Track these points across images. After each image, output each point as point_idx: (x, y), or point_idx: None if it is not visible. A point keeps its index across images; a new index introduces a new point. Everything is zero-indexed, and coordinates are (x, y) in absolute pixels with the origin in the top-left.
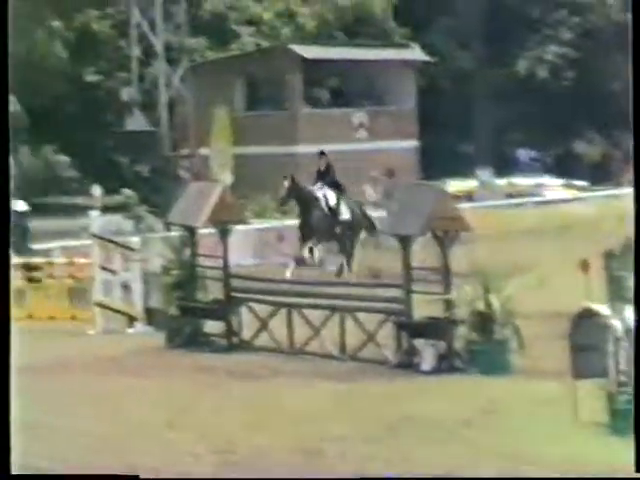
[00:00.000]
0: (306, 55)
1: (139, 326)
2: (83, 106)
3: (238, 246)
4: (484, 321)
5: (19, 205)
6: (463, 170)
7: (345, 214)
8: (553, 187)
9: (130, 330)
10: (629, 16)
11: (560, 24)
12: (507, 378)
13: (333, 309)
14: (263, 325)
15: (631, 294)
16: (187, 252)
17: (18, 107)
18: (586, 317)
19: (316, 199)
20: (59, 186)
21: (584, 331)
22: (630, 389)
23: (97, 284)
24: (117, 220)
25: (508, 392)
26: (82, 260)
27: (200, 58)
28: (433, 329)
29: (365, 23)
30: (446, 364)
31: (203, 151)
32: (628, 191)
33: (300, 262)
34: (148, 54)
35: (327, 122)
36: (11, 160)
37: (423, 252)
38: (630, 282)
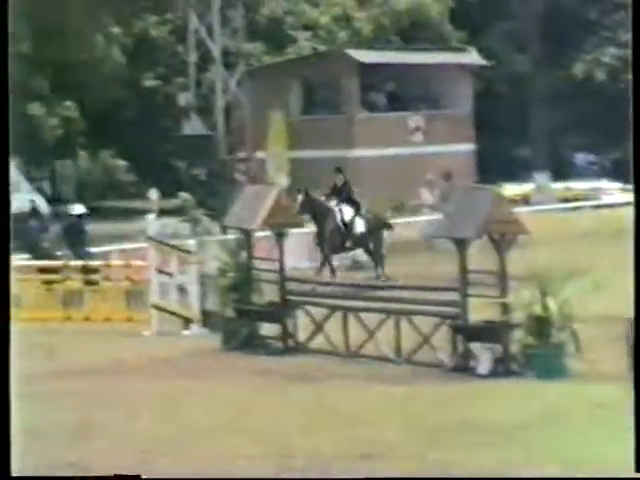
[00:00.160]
0: (362, 59)
1: (195, 328)
2: (141, 111)
3: (294, 249)
4: (541, 325)
5: (77, 208)
6: (520, 174)
7: (359, 227)
8: (611, 191)
9: (186, 332)
10: None
11: (619, 26)
12: (564, 382)
13: (388, 312)
14: (318, 328)
15: None
16: (243, 255)
17: (77, 113)
18: None
19: (331, 213)
20: (117, 190)
21: None
22: None
23: (153, 286)
24: (174, 223)
25: (565, 396)
26: (139, 263)
27: (257, 62)
28: (489, 333)
29: (421, 27)
30: (502, 368)
31: (259, 155)
32: None
33: (356, 266)
34: (205, 59)
35: (383, 126)
36: (71, 164)
37: (480, 256)
38: None
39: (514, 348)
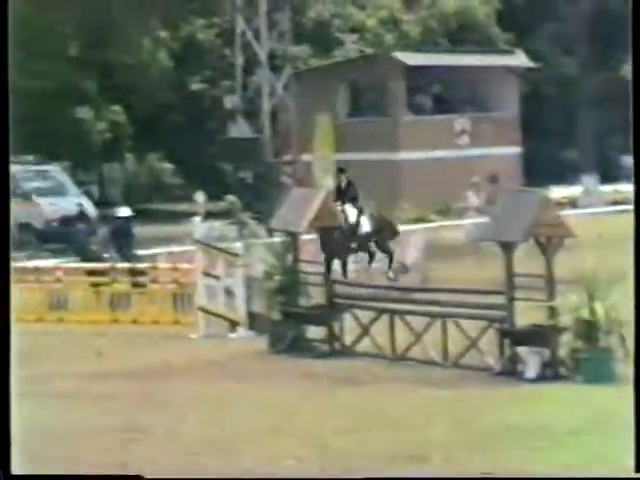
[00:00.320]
0: (409, 62)
1: (241, 331)
2: (187, 114)
3: None
4: (589, 329)
5: (123, 211)
6: (567, 176)
7: (365, 227)
8: None
9: (232, 335)
10: None
11: None
12: (612, 386)
13: (435, 315)
14: (365, 331)
15: None
16: (289, 258)
17: (124, 117)
18: None
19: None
20: (163, 193)
21: None
22: None
23: (200, 289)
24: (220, 226)
25: (613, 400)
26: (186, 266)
27: (303, 65)
28: (537, 336)
29: (469, 29)
30: (550, 372)
31: (305, 157)
32: None
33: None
34: (252, 62)
35: (429, 129)
36: (118, 167)
37: (526, 259)
38: None
39: (562, 352)
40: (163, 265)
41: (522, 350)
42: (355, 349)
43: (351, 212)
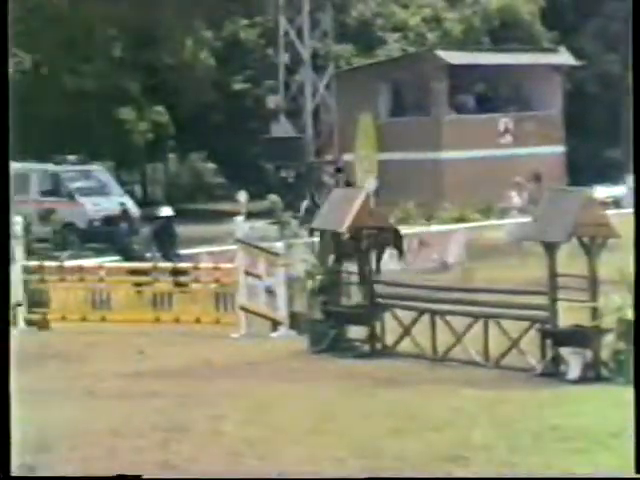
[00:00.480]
0: (452, 61)
1: (282, 330)
2: (230, 114)
3: None
4: (632, 330)
5: (165, 211)
6: (611, 176)
7: None
8: None
9: (273, 334)
10: None
11: None
12: None
13: (476, 315)
14: (406, 331)
15: None
16: (331, 257)
17: (167, 117)
18: None
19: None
20: (206, 192)
21: None
22: None
23: (242, 289)
24: (262, 225)
25: None
26: (227, 265)
27: (346, 65)
28: (579, 337)
29: (512, 27)
30: (592, 373)
31: (347, 157)
32: None
33: (445, 268)
34: (294, 61)
35: (472, 128)
36: (161, 167)
37: (569, 259)
38: None
39: (604, 354)
40: (205, 265)
41: (564, 351)
42: (396, 349)
43: None
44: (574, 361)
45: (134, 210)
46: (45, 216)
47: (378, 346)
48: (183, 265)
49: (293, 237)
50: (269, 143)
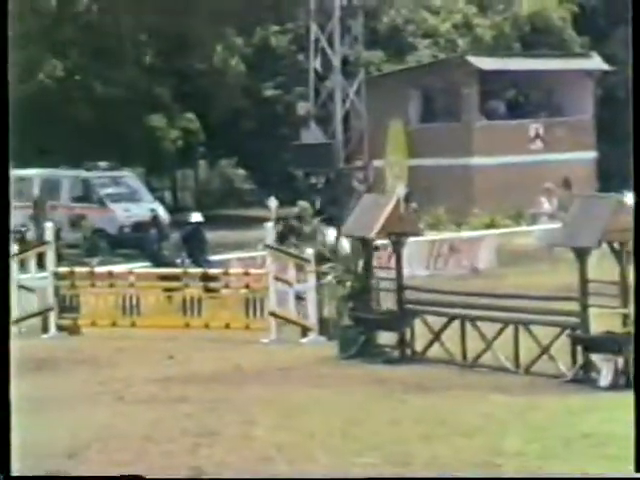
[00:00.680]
0: (483, 66)
1: (312, 336)
2: (260, 120)
3: (411, 258)
4: None
5: (195, 217)
6: None
7: (346, 249)
8: None
9: (303, 340)
10: None
11: None
12: None
13: (506, 321)
14: (435, 337)
15: None
16: (360, 263)
17: (197, 124)
18: None
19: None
20: (236, 198)
21: None
22: None
23: (271, 294)
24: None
25: None
26: (257, 271)
27: (377, 71)
28: (611, 344)
29: (543, 33)
30: (624, 380)
31: (377, 163)
32: None
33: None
34: (325, 68)
35: (502, 134)
36: (191, 174)
37: (600, 265)
38: None
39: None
40: (235, 270)
41: (595, 358)
42: (426, 355)
43: (330, 232)
44: (605, 368)
45: (164, 216)
46: (76, 222)
47: (408, 352)
48: (213, 271)
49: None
50: (299, 149)
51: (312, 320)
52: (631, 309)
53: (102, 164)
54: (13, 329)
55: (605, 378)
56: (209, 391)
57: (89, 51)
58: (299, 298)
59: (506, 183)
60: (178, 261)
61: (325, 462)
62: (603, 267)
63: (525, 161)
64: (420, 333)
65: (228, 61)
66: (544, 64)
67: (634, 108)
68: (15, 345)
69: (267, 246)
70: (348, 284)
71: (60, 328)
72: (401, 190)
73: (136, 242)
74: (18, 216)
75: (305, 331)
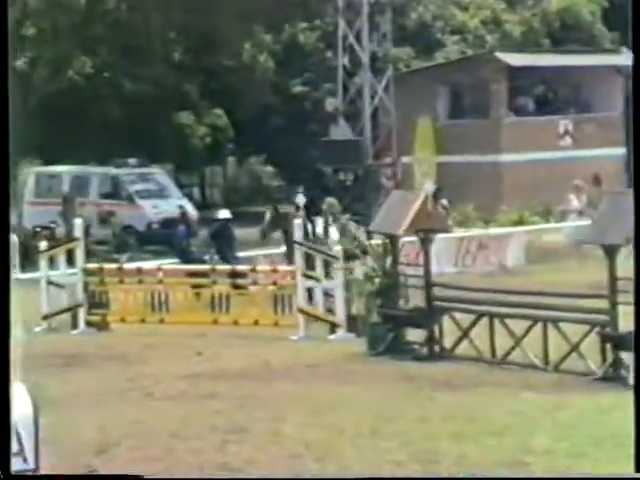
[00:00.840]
0: (512, 63)
1: (340, 333)
2: (288, 117)
3: (440, 254)
4: None
5: (223, 213)
6: None
7: (334, 239)
8: None
9: (332, 337)
10: None
11: None
12: None
13: (535, 319)
14: (464, 334)
15: None
16: (389, 260)
17: (226, 120)
18: None
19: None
20: (264, 195)
21: None
22: None
23: (300, 291)
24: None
25: None
26: (286, 267)
27: (405, 67)
28: None
29: (573, 28)
30: None
31: (405, 159)
32: None
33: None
34: (353, 64)
35: (531, 130)
36: (219, 170)
37: (629, 262)
38: None
39: None
40: (263, 267)
41: (625, 355)
42: (454, 352)
43: (318, 222)
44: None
45: (193, 213)
46: (105, 219)
47: (436, 349)
48: (241, 267)
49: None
50: (327, 146)
51: (340, 317)
52: None
53: (131, 161)
54: (43, 324)
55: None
56: (238, 388)
57: (118, 48)
58: (327, 295)
59: (535, 180)
60: (206, 258)
61: (354, 459)
62: (632, 264)
63: (554, 158)
64: (449, 330)
65: (257, 58)
66: (573, 60)
67: (634, 108)
68: (45, 340)
69: (295, 242)
70: (376, 281)
71: (89, 324)
72: (429, 187)
73: (165, 239)
74: (48, 213)
75: (333, 328)
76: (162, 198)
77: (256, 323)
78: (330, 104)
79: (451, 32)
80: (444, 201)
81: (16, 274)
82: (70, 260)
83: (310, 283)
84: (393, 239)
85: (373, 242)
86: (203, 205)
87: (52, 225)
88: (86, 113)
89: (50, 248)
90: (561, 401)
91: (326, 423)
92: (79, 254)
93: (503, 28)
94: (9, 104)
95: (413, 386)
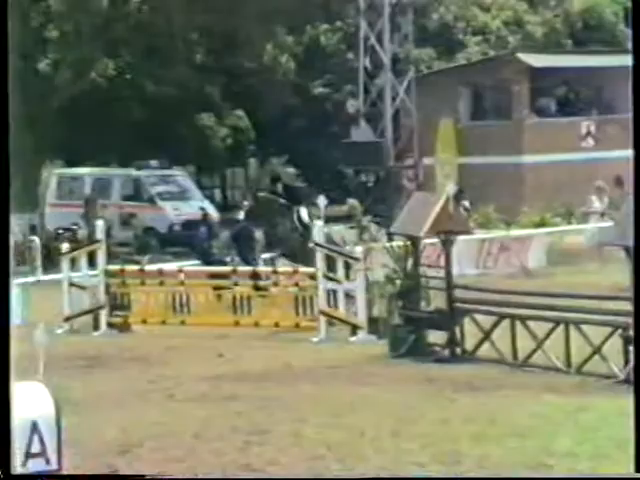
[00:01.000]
0: (534, 64)
1: (362, 335)
2: (310, 118)
3: (461, 256)
4: None
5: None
6: None
7: (306, 218)
8: None
9: (353, 338)
10: None
11: None
12: None
13: (557, 321)
14: (486, 336)
15: None
16: (410, 262)
17: (247, 122)
18: None
19: (283, 214)
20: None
21: None
22: None
23: (321, 293)
24: (341, 230)
25: None
26: (307, 269)
27: (426, 68)
28: None
29: (595, 29)
30: None
31: (427, 161)
32: None
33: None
34: (374, 66)
35: (553, 131)
36: (241, 172)
37: None
38: None
39: None
40: (284, 269)
41: None
42: (476, 354)
43: (304, 212)
44: None
45: (214, 214)
46: (126, 220)
47: (458, 351)
48: (262, 269)
49: (372, 241)
50: (349, 147)
51: (362, 318)
52: None
53: (153, 163)
54: (65, 326)
55: None
56: (259, 389)
57: (140, 50)
58: (349, 296)
59: (557, 181)
60: (228, 259)
61: (375, 461)
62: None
63: (576, 159)
64: (470, 332)
65: (278, 59)
66: (596, 61)
67: (634, 108)
68: (66, 342)
69: (317, 244)
70: (398, 282)
71: (111, 326)
72: (451, 188)
73: (186, 240)
74: (70, 215)
75: (355, 330)
76: (183, 200)
77: (277, 325)
78: (351, 106)
79: (473, 33)
80: (466, 203)
81: (38, 276)
82: (92, 262)
83: (331, 285)
84: (414, 241)
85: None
86: (224, 207)
87: (74, 227)
88: (108, 115)
89: (72, 250)
90: (583, 403)
91: (347, 425)
92: (101, 256)
93: (525, 29)
94: (9, 104)
95: (434, 388)
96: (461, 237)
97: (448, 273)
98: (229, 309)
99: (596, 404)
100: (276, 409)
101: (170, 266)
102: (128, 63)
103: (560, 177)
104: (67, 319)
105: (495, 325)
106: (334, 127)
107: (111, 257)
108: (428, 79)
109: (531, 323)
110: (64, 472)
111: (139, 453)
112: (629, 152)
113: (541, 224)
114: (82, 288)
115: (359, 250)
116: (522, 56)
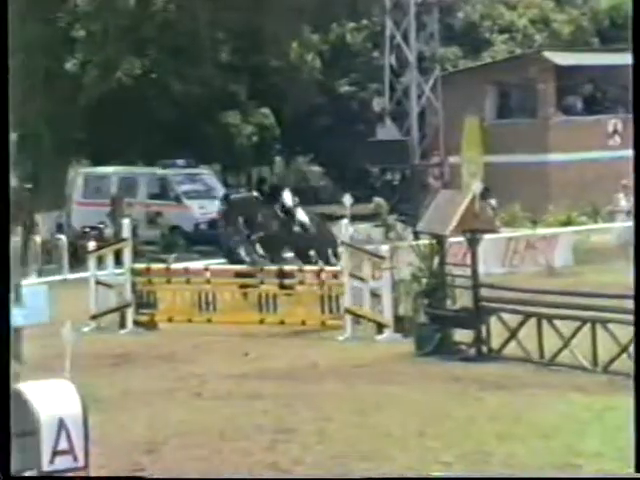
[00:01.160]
0: (560, 62)
1: (388, 333)
2: (336, 117)
3: (487, 255)
4: None
5: None
6: None
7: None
8: None
9: (379, 337)
10: None
11: None
12: None
13: (584, 320)
14: (512, 334)
15: None
16: (436, 260)
17: (273, 120)
18: None
19: (277, 214)
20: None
21: None
22: None
23: (347, 291)
24: (367, 228)
25: None
26: (333, 267)
27: (452, 67)
28: None
29: (622, 27)
30: None
31: (452, 159)
32: None
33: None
34: (400, 64)
35: (580, 130)
36: (267, 171)
37: None
38: None
39: None
40: (310, 267)
41: None
42: (502, 353)
43: (300, 212)
44: None
45: None
46: (153, 219)
47: (484, 349)
48: (288, 267)
49: (398, 240)
50: (375, 146)
51: (387, 317)
52: None
53: (179, 161)
54: (92, 324)
55: None
56: (285, 387)
57: (166, 49)
58: (375, 295)
59: (583, 180)
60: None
61: (401, 460)
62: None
63: (602, 157)
64: (496, 331)
65: (304, 58)
66: (622, 59)
67: (634, 108)
68: (93, 340)
69: (343, 243)
70: (424, 281)
71: (137, 324)
72: (477, 187)
73: (212, 239)
74: (96, 213)
75: (381, 328)
76: (209, 198)
77: (303, 323)
78: (377, 104)
79: (499, 31)
80: (492, 201)
81: (65, 274)
82: (118, 260)
83: (357, 283)
84: (440, 239)
85: (420, 242)
86: None
87: (100, 225)
88: (134, 114)
89: (98, 248)
90: (610, 403)
91: (373, 423)
92: (127, 254)
93: (552, 27)
94: (9, 104)
95: (460, 387)
96: (487, 235)
97: (474, 272)
98: (255, 307)
99: (623, 403)
100: (302, 407)
101: (196, 264)
102: (154, 62)
103: (586, 175)
104: (94, 317)
105: (521, 324)
106: (360, 125)
107: (137, 255)
108: (454, 77)
109: (557, 322)
110: (91, 469)
111: (165, 451)
112: None
113: (567, 223)
114: (108, 286)
115: (385, 249)
116: (548, 54)
